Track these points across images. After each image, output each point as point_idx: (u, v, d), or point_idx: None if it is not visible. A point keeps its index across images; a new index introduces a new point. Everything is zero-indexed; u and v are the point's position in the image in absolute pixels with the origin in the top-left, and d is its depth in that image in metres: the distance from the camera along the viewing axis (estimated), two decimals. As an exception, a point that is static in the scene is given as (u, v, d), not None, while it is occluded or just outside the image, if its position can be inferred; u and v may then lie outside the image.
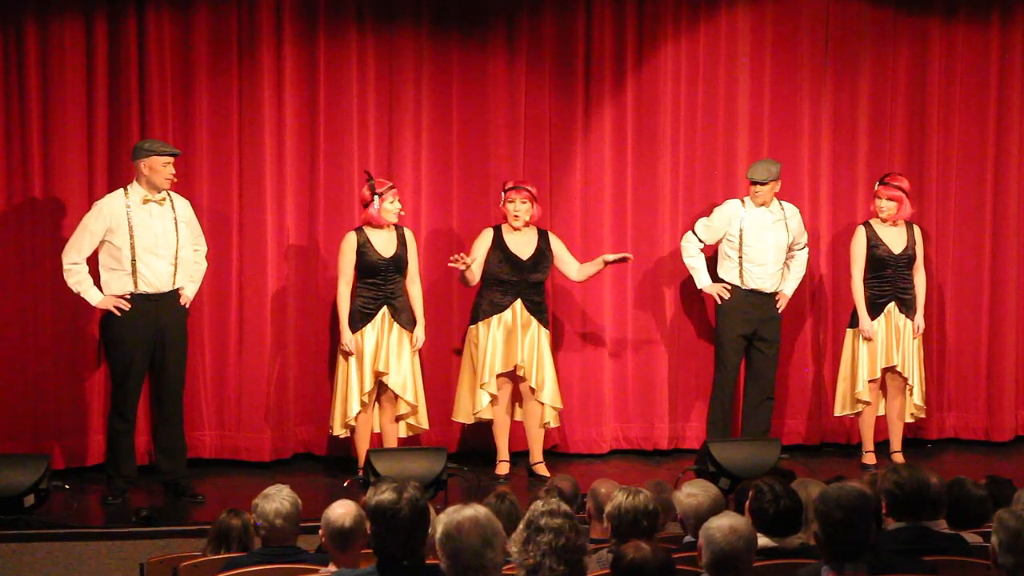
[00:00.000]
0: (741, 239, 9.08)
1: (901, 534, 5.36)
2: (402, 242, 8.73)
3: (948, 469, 8.37)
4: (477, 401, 8.86)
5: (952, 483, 6.07)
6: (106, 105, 8.94)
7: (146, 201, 8.19)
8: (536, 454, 9.01)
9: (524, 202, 8.85)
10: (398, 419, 8.82)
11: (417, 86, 9.41)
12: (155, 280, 8.18)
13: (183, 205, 8.37)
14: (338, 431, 8.75)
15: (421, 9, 9.42)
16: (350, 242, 8.68)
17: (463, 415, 9.00)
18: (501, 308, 8.86)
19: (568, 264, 9.04)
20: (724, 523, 4.62)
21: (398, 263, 8.69)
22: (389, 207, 8.65)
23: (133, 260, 8.14)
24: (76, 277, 8.19)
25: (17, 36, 8.79)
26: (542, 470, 8.91)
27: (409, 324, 8.73)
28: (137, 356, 8.22)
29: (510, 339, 8.83)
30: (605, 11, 9.57)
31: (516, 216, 8.85)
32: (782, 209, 9.19)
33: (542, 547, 4.44)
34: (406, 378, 8.70)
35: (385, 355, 8.65)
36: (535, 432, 8.98)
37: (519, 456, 9.17)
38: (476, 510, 4.36)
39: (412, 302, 8.79)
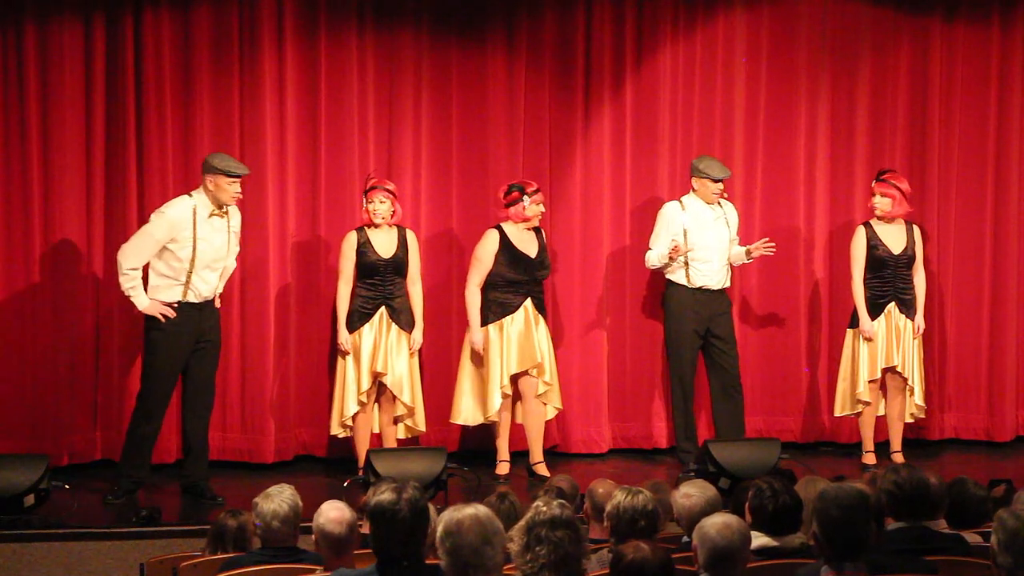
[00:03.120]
0: (685, 239, 9.05)
1: (901, 534, 5.36)
2: (403, 243, 8.73)
3: (948, 469, 8.39)
4: (490, 404, 8.83)
5: (952, 483, 6.07)
6: (104, 106, 8.94)
7: (212, 215, 8.18)
8: (536, 454, 9.01)
9: (542, 202, 8.90)
10: (396, 420, 8.81)
11: (417, 86, 9.41)
12: (204, 291, 8.22)
13: (237, 216, 8.39)
14: (335, 430, 8.76)
15: (421, 9, 9.42)
16: (350, 242, 8.68)
17: (463, 417, 8.99)
18: (512, 309, 8.86)
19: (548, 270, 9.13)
20: (717, 520, 4.63)
21: (397, 264, 8.69)
22: (370, 207, 8.61)
23: (190, 272, 8.14)
24: (132, 283, 8.12)
25: (16, 38, 8.79)
26: (542, 470, 8.91)
27: (408, 325, 8.73)
28: (177, 364, 8.23)
29: (527, 339, 8.84)
30: (604, 12, 9.58)
31: (540, 216, 8.89)
32: (721, 207, 9.18)
33: (540, 559, 4.45)
34: (403, 379, 8.70)
35: (384, 355, 8.65)
36: (536, 432, 8.98)
37: (519, 456, 9.18)
38: (477, 509, 4.36)
39: (412, 304, 8.78)
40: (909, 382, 9.22)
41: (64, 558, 7.51)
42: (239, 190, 8.19)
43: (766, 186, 9.79)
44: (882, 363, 9.18)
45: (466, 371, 8.97)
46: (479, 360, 8.90)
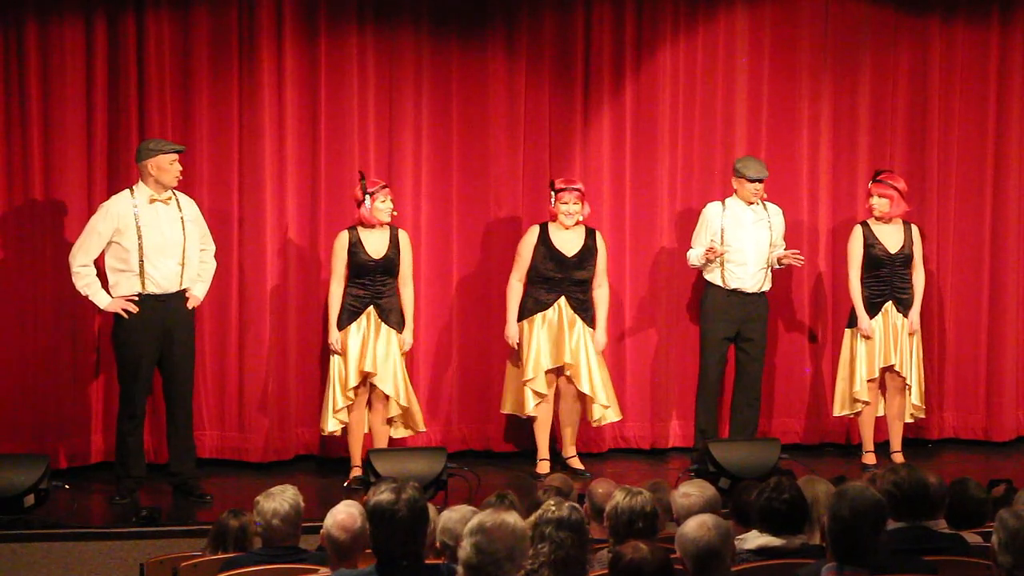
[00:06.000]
0: (722, 238, 9.05)
1: (901, 534, 5.35)
2: (394, 243, 8.69)
3: (948, 469, 8.38)
4: (526, 399, 8.85)
5: (953, 483, 6.07)
6: (105, 105, 8.94)
7: (153, 201, 8.18)
8: (569, 448, 9.03)
9: (576, 202, 8.85)
10: (388, 421, 8.77)
11: (417, 86, 9.41)
12: (163, 280, 8.17)
13: (188, 204, 8.37)
14: (328, 426, 8.73)
15: (421, 9, 9.41)
16: (341, 241, 8.68)
17: (508, 407, 9.00)
18: (545, 306, 8.86)
19: (597, 276, 9.00)
20: (691, 523, 4.63)
21: (387, 265, 8.66)
22: (380, 207, 8.62)
23: (141, 261, 8.13)
24: (85, 280, 8.16)
25: (17, 36, 8.79)
26: (576, 463, 8.95)
27: (399, 325, 8.70)
28: (146, 357, 8.21)
29: (558, 337, 8.83)
30: (604, 11, 9.57)
31: (569, 215, 8.83)
32: (765, 210, 9.18)
33: (541, 557, 4.45)
34: (396, 380, 8.64)
35: (372, 355, 8.62)
36: (570, 427, 8.99)
37: (520, 456, 9.18)
38: (516, 521, 4.33)
39: (403, 304, 8.74)
40: (907, 381, 9.22)
41: (64, 558, 7.50)
42: (180, 168, 8.22)
43: (768, 186, 9.75)
44: (880, 363, 9.18)
45: (510, 364, 8.98)
46: (517, 354, 8.92)
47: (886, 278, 9.17)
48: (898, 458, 9.16)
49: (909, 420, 9.37)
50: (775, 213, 9.23)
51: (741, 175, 9.07)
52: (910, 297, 9.24)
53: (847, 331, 9.30)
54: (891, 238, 9.19)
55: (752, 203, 9.10)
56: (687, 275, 9.51)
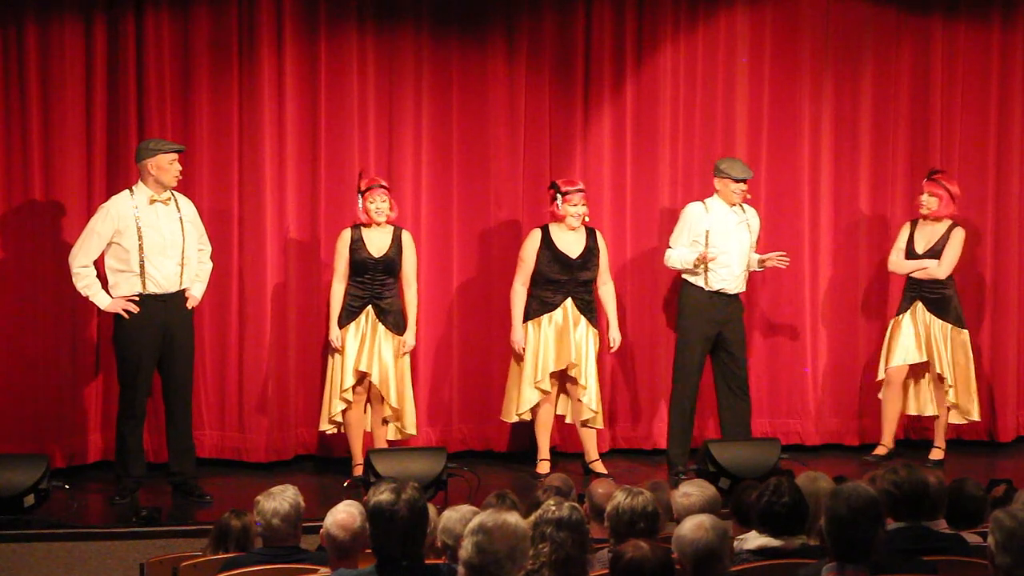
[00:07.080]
0: (707, 241, 9.00)
1: (901, 534, 5.35)
2: (397, 244, 8.70)
3: (948, 469, 8.39)
4: (525, 399, 8.83)
5: (953, 483, 6.07)
6: (105, 105, 8.95)
7: (152, 201, 8.19)
8: (591, 452, 8.97)
9: (583, 203, 8.84)
10: (384, 421, 8.79)
11: (417, 86, 9.41)
12: (163, 281, 8.18)
13: (187, 204, 8.38)
14: (323, 427, 8.78)
15: (421, 9, 9.42)
16: (343, 239, 8.70)
17: (504, 414, 9.00)
18: (552, 307, 8.85)
19: (601, 274, 8.99)
20: (687, 525, 4.64)
21: (388, 264, 8.67)
22: (371, 206, 8.63)
23: (141, 262, 8.14)
24: (85, 281, 8.17)
25: (17, 36, 8.79)
26: (599, 467, 8.90)
27: (396, 327, 8.69)
28: (146, 357, 8.22)
29: (562, 338, 8.81)
30: (604, 11, 9.57)
31: (576, 217, 8.82)
32: (744, 211, 9.14)
33: (541, 557, 4.46)
34: (387, 380, 8.65)
35: (368, 355, 8.63)
36: (585, 431, 8.96)
37: (520, 456, 9.17)
38: (518, 521, 4.34)
39: (406, 306, 8.75)
40: (948, 380, 9.19)
41: (64, 558, 7.51)
42: (180, 168, 8.23)
43: (769, 186, 9.78)
44: (906, 359, 9.19)
45: (512, 369, 8.96)
46: (521, 358, 8.89)
47: (915, 277, 9.17)
48: (936, 454, 9.30)
49: (961, 420, 9.37)
50: (753, 215, 9.18)
51: (726, 175, 8.99)
52: (941, 297, 9.19)
53: (892, 321, 9.34)
54: (926, 239, 9.17)
55: (734, 204, 9.06)
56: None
